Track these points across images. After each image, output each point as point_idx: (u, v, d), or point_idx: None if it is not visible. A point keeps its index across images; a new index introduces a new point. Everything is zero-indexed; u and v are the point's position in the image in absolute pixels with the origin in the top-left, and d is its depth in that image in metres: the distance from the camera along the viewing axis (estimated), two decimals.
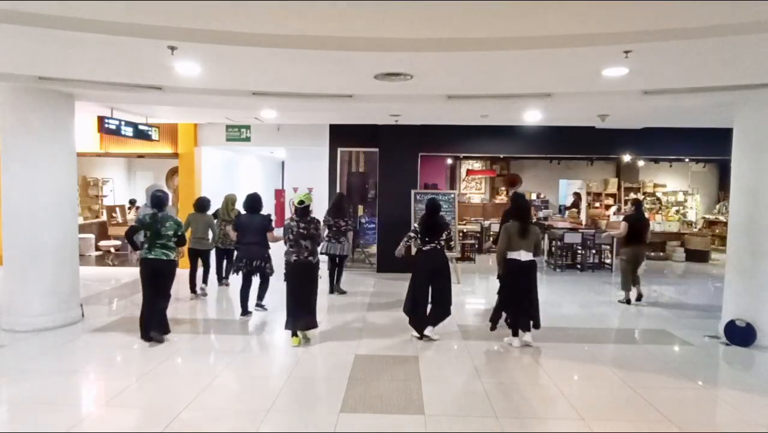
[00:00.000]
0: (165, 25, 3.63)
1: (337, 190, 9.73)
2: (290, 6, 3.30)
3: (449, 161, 15.30)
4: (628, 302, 7.45)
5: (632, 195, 14.94)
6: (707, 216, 14.98)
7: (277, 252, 6.19)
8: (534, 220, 8.02)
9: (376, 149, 9.88)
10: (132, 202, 13.08)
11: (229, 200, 7.89)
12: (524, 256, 5.33)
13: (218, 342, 5.60)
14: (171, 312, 6.70)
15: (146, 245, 5.28)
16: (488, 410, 3.87)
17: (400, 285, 8.31)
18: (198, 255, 7.59)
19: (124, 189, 14.76)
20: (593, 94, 5.79)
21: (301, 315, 5.36)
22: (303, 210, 5.44)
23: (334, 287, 7.87)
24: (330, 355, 5.21)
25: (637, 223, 7.53)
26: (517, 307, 5.45)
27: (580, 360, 5.08)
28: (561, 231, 10.52)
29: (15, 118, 5.68)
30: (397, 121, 8.79)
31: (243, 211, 6.76)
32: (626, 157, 12.44)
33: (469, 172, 16.60)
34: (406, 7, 3.29)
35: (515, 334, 5.46)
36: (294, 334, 5.39)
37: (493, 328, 5.65)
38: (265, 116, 8.42)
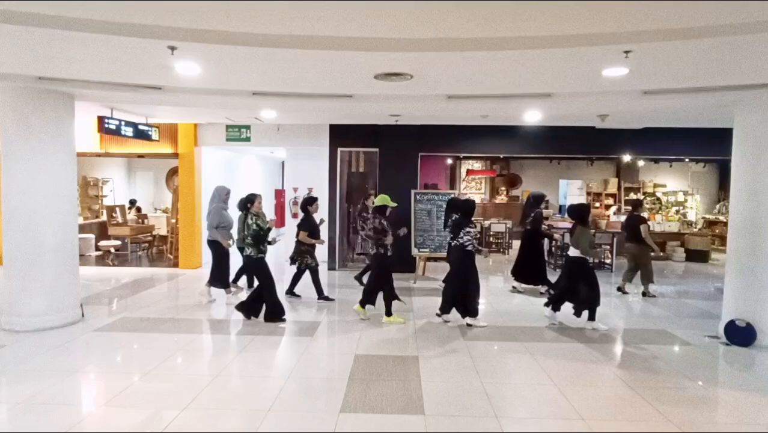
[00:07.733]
0: (165, 25, 3.63)
1: (338, 190, 9.69)
2: (290, 6, 3.30)
3: (449, 161, 15.32)
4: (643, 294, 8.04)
5: (632, 195, 15.06)
6: (707, 216, 14.99)
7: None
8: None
9: (376, 149, 9.87)
10: (132, 202, 13.04)
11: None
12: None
13: (219, 342, 5.60)
14: (173, 312, 6.72)
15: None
16: (488, 410, 3.87)
17: (399, 285, 8.30)
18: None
19: (124, 189, 14.75)
20: (593, 94, 5.79)
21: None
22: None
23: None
24: (330, 355, 5.22)
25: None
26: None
27: (580, 360, 5.08)
28: (561, 231, 10.51)
29: (15, 118, 5.68)
30: (397, 121, 8.79)
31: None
32: (626, 157, 12.45)
33: (469, 172, 16.61)
34: (406, 7, 3.29)
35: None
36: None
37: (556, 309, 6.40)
38: (265, 116, 8.42)
